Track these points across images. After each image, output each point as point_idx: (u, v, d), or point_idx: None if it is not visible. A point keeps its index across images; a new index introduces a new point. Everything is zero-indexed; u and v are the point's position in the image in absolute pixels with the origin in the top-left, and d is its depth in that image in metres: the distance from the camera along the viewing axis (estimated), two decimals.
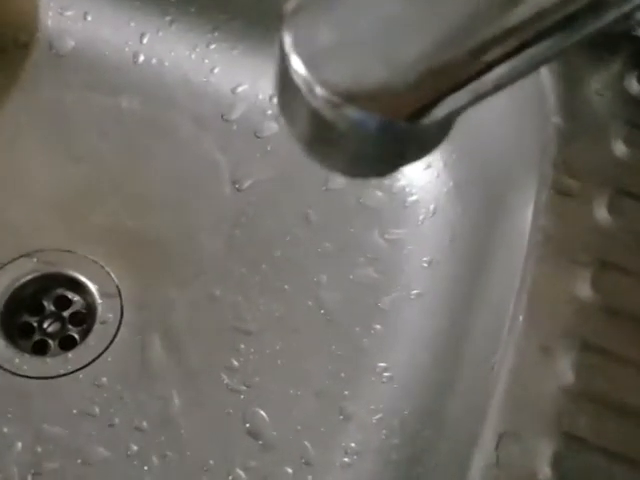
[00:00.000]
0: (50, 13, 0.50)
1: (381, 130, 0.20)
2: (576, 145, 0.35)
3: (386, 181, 0.46)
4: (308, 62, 0.20)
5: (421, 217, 0.45)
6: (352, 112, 0.20)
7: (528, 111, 0.38)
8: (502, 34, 0.20)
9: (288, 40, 0.20)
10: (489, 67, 0.20)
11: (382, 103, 0.20)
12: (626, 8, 0.21)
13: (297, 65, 0.20)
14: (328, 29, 0.20)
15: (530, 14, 0.20)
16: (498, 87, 0.21)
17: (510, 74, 0.21)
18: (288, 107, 0.21)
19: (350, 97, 0.20)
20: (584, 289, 0.32)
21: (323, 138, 0.21)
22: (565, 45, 0.21)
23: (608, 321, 0.31)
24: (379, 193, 0.46)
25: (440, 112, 0.20)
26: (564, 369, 0.30)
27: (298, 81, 0.20)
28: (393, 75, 0.20)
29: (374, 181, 0.47)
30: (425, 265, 0.44)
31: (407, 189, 0.46)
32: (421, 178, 0.46)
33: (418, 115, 0.20)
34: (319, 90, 0.20)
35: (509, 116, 0.40)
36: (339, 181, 0.47)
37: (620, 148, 0.35)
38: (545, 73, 0.37)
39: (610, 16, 0.21)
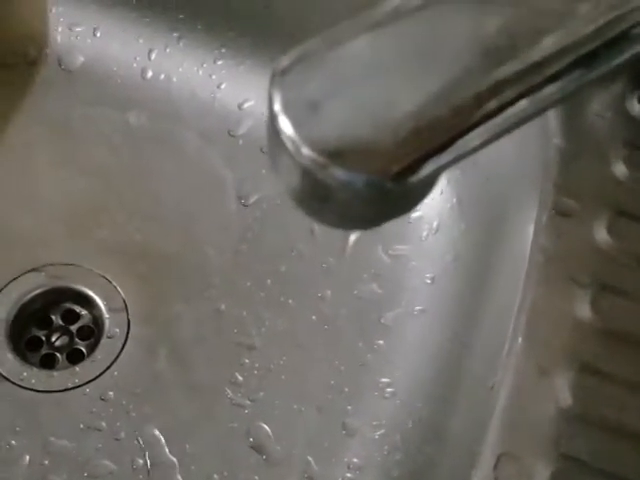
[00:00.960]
0: (60, 29, 0.50)
1: (368, 189, 0.21)
2: (577, 166, 0.36)
3: None
4: (296, 122, 0.21)
5: (425, 233, 0.46)
6: (339, 172, 0.21)
7: (530, 131, 0.39)
8: (486, 92, 0.21)
9: (277, 100, 0.21)
10: (476, 124, 0.21)
11: (369, 163, 0.21)
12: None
13: (285, 125, 0.21)
14: (316, 88, 0.21)
15: (516, 70, 0.21)
16: (487, 142, 0.21)
17: (495, 130, 0.21)
18: (278, 162, 0.22)
19: (337, 157, 0.20)
20: (583, 310, 0.32)
21: (312, 195, 0.22)
22: (550, 101, 0.21)
23: (607, 343, 0.31)
24: None
25: (427, 170, 0.21)
26: (562, 390, 0.30)
27: (286, 141, 0.21)
28: (380, 135, 0.20)
29: None
30: (428, 281, 0.44)
31: None
32: None
33: (405, 174, 0.21)
34: (306, 150, 0.21)
35: (511, 136, 0.40)
36: None
37: (620, 169, 0.35)
38: None
39: (596, 71, 0.21)
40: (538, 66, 0.21)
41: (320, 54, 0.21)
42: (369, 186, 0.21)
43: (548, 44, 0.21)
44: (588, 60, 0.21)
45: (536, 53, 0.21)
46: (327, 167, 0.21)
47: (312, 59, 0.21)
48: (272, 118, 0.21)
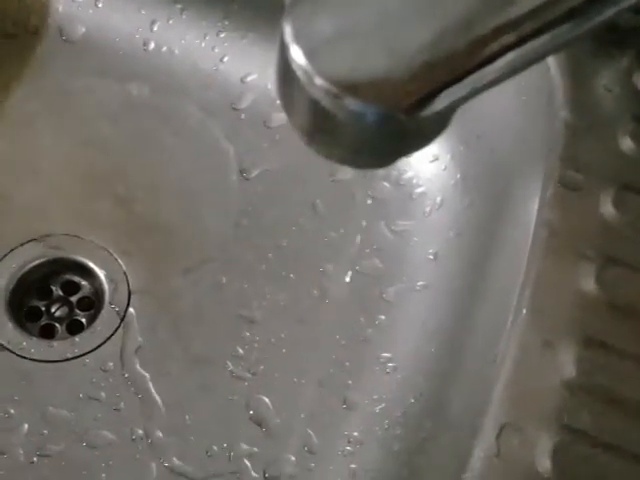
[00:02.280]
0: None
1: (380, 121, 0.20)
2: (583, 140, 0.35)
3: (393, 172, 0.47)
4: (308, 52, 0.20)
5: (428, 209, 0.45)
6: (351, 103, 0.20)
7: (536, 105, 0.39)
8: (504, 26, 0.20)
9: (288, 30, 0.20)
10: (490, 59, 0.20)
11: (382, 94, 0.20)
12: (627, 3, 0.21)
13: (297, 55, 0.20)
14: (329, 20, 0.20)
15: (533, 6, 0.20)
16: (498, 79, 0.21)
17: (511, 66, 0.21)
18: (288, 97, 0.22)
19: (349, 88, 0.20)
20: (588, 284, 0.32)
21: (322, 128, 0.21)
22: (566, 39, 0.21)
23: (611, 316, 0.31)
24: (386, 184, 0.47)
25: (440, 104, 0.20)
26: (566, 363, 0.30)
27: (298, 71, 0.20)
28: (393, 66, 0.20)
29: (381, 172, 0.47)
30: (431, 257, 0.44)
31: (414, 181, 0.46)
32: (428, 170, 0.46)
33: (418, 107, 0.20)
34: (318, 80, 0.20)
35: (517, 110, 0.40)
36: (347, 172, 0.47)
37: (627, 144, 0.35)
38: (554, 68, 0.38)
39: (613, 10, 0.21)
40: (555, 2, 0.20)
41: None
42: (382, 118, 0.20)
43: None
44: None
45: None
46: (339, 98, 0.20)
47: None
48: (283, 49, 0.20)
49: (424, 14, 0.20)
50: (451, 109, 0.21)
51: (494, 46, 0.20)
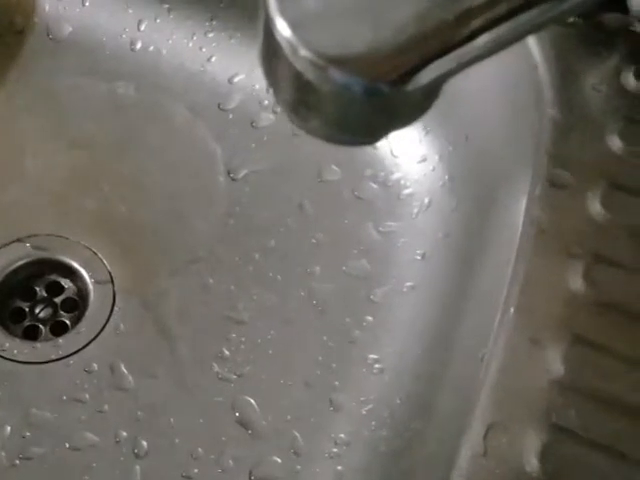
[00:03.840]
0: None
1: (365, 93, 0.20)
2: (571, 138, 0.35)
3: (381, 173, 0.46)
4: (293, 24, 0.20)
5: (415, 210, 0.45)
6: (336, 75, 0.20)
7: (524, 104, 0.38)
8: (489, 2, 0.20)
9: (273, 3, 0.20)
10: (475, 34, 0.20)
11: (367, 66, 0.20)
12: None
13: (282, 27, 0.20)
14: None
15: None
16: (484, 55, 0.21)
17: (496, 42, 0.20)
18: (273, 71, 0.21)
19: (335, 60, 0.20)
20: (576, 282, 0.32)
21: (307, 101, 0.21)
22: (550, 16, 0.21)
23: (599, 314, 0.31)
24: (374, 185, 0.46)
25: (425, 77, 0.20)
26: (554, 361, 0.30)
27: (282, 43, 0.20)
28: (379, 39, 0.20)
29: (369, 173, 0.47)
30: (418, 258, 0.44)
31: (402, 182, 0.46)
32: (416, 171, 0.46)
33: (403, 80, 0.20)
34: (303, 52, 0.20)
35: (505, 109, 0.40)
36: (334, 173, 0.47)
37: (615, 142, 0.35)
38: (542, 67, 0.37)
39: None
40: None
41: None
42: (366, 91, 0.20)
43: None
44: None
45: None
46: (324, 70, 0.20)
47: None
48: (268, 21, 0.20)
49: None
50: (436, 84, 0.21)
51: (479, 20, 0.20)
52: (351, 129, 0.22)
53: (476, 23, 0.20)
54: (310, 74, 0.20)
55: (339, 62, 0.20)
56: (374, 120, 0.22)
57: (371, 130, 0.22)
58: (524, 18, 0.20)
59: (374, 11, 0.20)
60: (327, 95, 0.20)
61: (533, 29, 0.21)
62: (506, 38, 0.20)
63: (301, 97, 0.21)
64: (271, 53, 0.21)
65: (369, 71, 0.20)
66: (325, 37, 0.20)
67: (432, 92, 0.21)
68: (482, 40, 0.20)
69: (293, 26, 0.20)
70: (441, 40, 0.20)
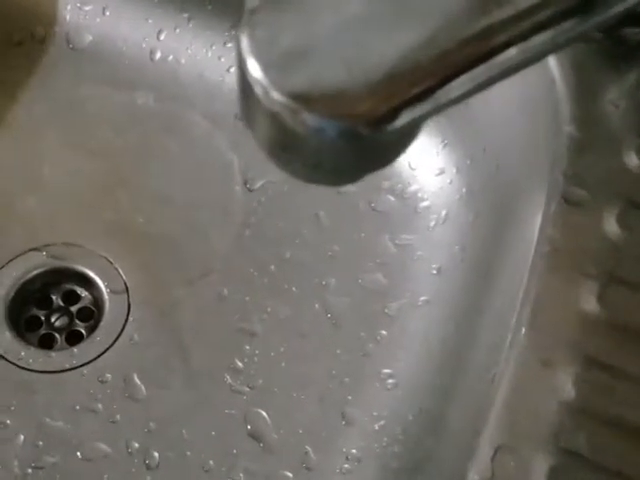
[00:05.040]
0: (69, 7, 0.50)
1: (340, 137, 0.20)
2: (588, 155, 0.35)
3: (399, 185, 0.46)
4: (265, 65, 0.19)
5: (432, 223, 0.45)
6: (310, 118, 0.19)
7: (542, 119, 0.38)
8: (467, 42, 0.20)
9: (245, 42, 0.20)
10: (453, 75, 0.20)
11: (340, 109, 0.19)
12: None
13: (253, 69, 0.19)
14: (287, 32, 0.20)
15: (496, 21, 0.20)
16: (463, 96, 0.20)
17: (475, 83, 0.20)
18: (248, 111, 0.21)
19: (308, 102, 0.19)
20: (590, 303, 0.31)
21: (283, 144, 0.21)
22: (534, 55, 0.20)
23: (612, 336, 0.30)
24: (391, 198, 0.46)
25: (402, 120, 0.20)
26: (565, 384, 0.29)
27: (255, 85, 0.20)
28: (353, 79, 0.19)
29: (386, 185, 0.46)
30: (434, 272, 0.43)
31: (419, 194, 0.46)
32: (434, 184, 0.45)
33: (379, 122, 0.20)
34: (276, 95, 0.19)
35: (523, 124, 0.40)
36: (351, 184, 0.46)
37: (632, 160, 0.34)
38: (560, 82, 0.37)
39: (583, 25, 0.20)
40: (523, 15, 0.20)
41: None
42: (342, 133, 0.19)
43: None
44: (576, 11, 0.20)
45: (521, 2, 0.20)
46: (298, 113, 0.19)
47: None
48: (240, 61, 0.20)
49: (385, 29, 0.20)
50: (414, 125, 0.20)
51: (457, 63, 0.20)
52: (328, 171, 0.22)
53: (454, 65, 0.19)
54: (283, 117, 0.19)
55: (311, 104, 0.19)
56: (352, 162, 0.21)
57: (350, 172, 0.22)
58: (504, 58, 0.20)
59: (348, 51, 0.20)
60: (302, 138, 0.20)
61: (516, 68, 0.20)
62: (487, 78, 0.20)
63: (276, 138, 0.21)
64: (245, 94, 0.20)
65: (342, 114, 0.19)
66: (298, 78, 0.19)
67: (412, 131, 0.21)
68: (460, 81, 0.20)
69: (265, 67, 0.19)
70: (419, 82, 0.20)
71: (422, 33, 0.20)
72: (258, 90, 0.20)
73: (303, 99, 0.19)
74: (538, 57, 0.20)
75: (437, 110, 0.20)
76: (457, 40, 0.19)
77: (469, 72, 0.19)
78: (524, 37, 0.20)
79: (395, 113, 0.19)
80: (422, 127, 0.21)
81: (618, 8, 0.20)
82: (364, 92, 0.19)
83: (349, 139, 0.20)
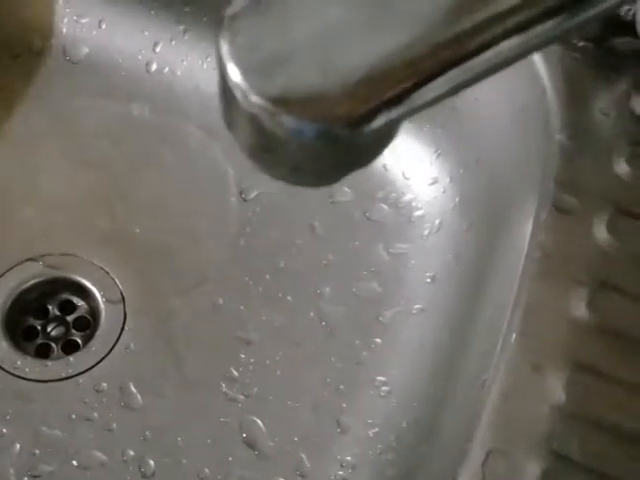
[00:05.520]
0: (65, 20, 0.50)
1: (318, 138, 0.20)
2: (579, 163, 0.35)
3: (392, 195, 0.46)
4: (244, 69, 0.20)
5: (426, 232, 0.45)
6: (289, 120, 0.20)
7: (533, 128, 0.38)
8: (442, 45, 0.20)
9: (224, 47, 0.20)
10: (429, 78, 0.20)
11: (319, 110, 0.20)
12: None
13: (233, 72, 0.20)
14: (266, 37, 0.20)
15: (475, 23, 0.20)
16: (438, 98, 0.20)
17: (450, 86, 0.20)
18: (228, 115, 0.21)
19: (286, 105, 0.20)
20: (580, 308, 0.32)
21: (262, 145, 0.21)
22: (509, 57, 0.21)
23: (602, 341, 0.31)
24: (385, 207, 0.46)
25: (378, 122, 0.20)
26: (556, 388, 0.30)
27: (234, 89, 0.20)
28: (330, 82, 0.20)
29: (380, 195, 0.47)
30: (428, 280, 0.44)
31: (413, 203, 0.46)
32: (427, 193, 0.46)
33: (356, 123, 0.20)
34: (254, 98, 0.20)
35: (514, 133, 0.40)
36: (345, 194, 0.47)
37: (622, 168, 0.35)
38: (551, 91, 0.37)
39: (561, 26, 0.20)
40: (497, 19, 0.20)
41: (272, 0, 0.21)
42: (319, 135, 0.20)
43: None
44: (554, 13, 0.20)
45: (495, 7, 0.20)
46: (276, 115, 0.20)
47: (263, 5, 0.21)
48: (221, 65, 0.20)
49: (362, 34, 0.20)
50: (391, 127, 0.21)
51: (432, 66, 0.20)
52: (309, 173, 0.22)
53: (432, 66, 0.20)
54: (262, 120, 0.20)
55: (289, 107, 0.20)
56: (331, 163, 0.22)
57: (329, 173, 0.22)
58: (480, 60, 0.20)
59: (325, 54, 0.20)
60: (281, 140, 0.20)
61: (497, 66, 0.21)
62: (462, 81, 0.20)
63: (256, 141, 0.21)
64: (226, 98, 0.21)
65: (319, 116, 0.20)
66: (276, 81, 0.20)
67: (390, 132, 0.21)
68: (436, 84, 0.20)
69: (244, 71, 0.20)
70: (394, 85, 0.20)
71: (398, 37, 0.20)
72: (238, 94, 0.20)
73: (281, 102, 0.20)
74: (511, 60, 0.21)
75: (413, 112, 0.20)
76: (432, 44, 0.20)
77: (444, 75, 0.20)
78: (496, 41, 0.20)
79: (372, 115, 0.20)
80: (399, 129, 0.21)
81: (595, 10, 0.20)
82: (341, 95, 0.20)
83: (327, 140, 0.20)
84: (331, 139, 0.20)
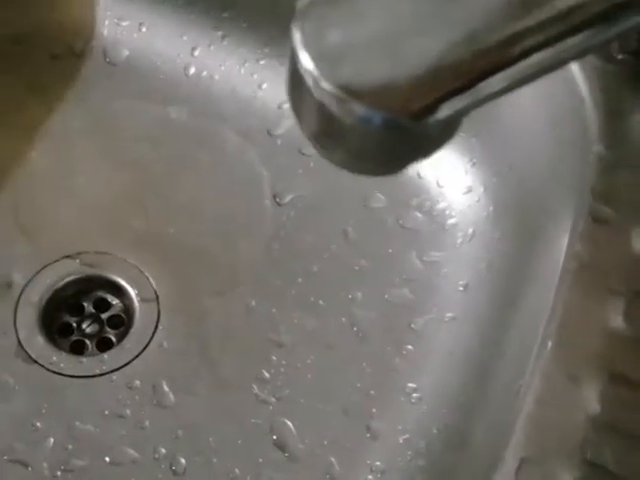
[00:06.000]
0: (106, 22, 0.51)
1: (385, 127, 0.21)
2: (616, 174, 0.35)
3: (427, 202, 0.47)
4: (316, 57, 0.21)
5: (459, 240, 0.45)
6: (357, 107, 0.21)
7: (570, 138, 0.38)
8: (509, 38, 0.21)
9: (297, 36, 0.21)
10: (496, 69, 0.21)
11: (387, 100, 0.21)
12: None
13: (305, 60, 0.21)
14: (337, 25, 0.21)
15: (539, 19, 0.21)
16: (503, 90, 0.21)
17: (516, 78, 0.21)
18: (297, 101, 0.22)
19: (355, 93, 0.20)
20: (616, 319, 0.32)
21: (329, 132, 0.22)
22: (573, 52, 0.21)
23: (638, 353, 0.31)
24: (419, 214, 0.47)
25: (445, 111, 0.21)
26: (590, 398, 0.30)
27: (305, 75, 0.21)
28: (399, 72, 0.20)
29: (415, 202, 0.47)
30: (461, 289, 0.44)
31: (447, 212, 0.46)
32: (461, 202, 0.46)
33: (423, 113, 0.21)
34: (325, 85, 0.21)
35: (550, 142, 0.40)
36: (379, 200, 0.47)
37: None
38: (589, 101, 0.37)
39: (619, 26, 0.21)
40: (561, 17, 0.21)
41: None
42: (386, 123, 0.21)
43: None
44: (612, 14, 0.20)
45: (560, 3, 0.21)
46: (345, 102, 0.21)
47: None
48: (293, 53, 0.21)
49: (432, 23, 0.21)
50: (457, 117, 0.21)
51: (499, 57, 0.21)
52: (372, 160, 0.23)
53: (495, 59, 0.20)
54: (331, 106, 0.21)
55: (359, 95, 0.20)
56: (395, 152, 0.22)
57: (392, 161, 0.23)
58: (544, 55, 0.21)
59: (395, 44, 0.21)
60: (348, 127, 0.21)
61: (559, 64, 0.21)
62: (526, 74, 0.21)
63: (323, 128, 0.22)
64: (295, 85, 0.21)
65: (388, 104, 0.20)
66: (347, 70, 0.21)
67: (453, 124, 0.22)
68: (502, 76, 0.21)
69: (316, 59, 0.21)
70: (460, 75, 0.21)
71: (464, 31, 0.21)
72: (309, 80, 0.21)
73: (351, 90, 0.20)
74: (571, 58, 0.21)
75: (476, 104, 0.21)
76: (496, 38, 0.21)
77: (507, 69, 0.20)
78: (558, 39, 0.21)
79: (436, 106, 0.21)
80: (461, 122, 0.22)
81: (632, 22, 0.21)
82: (408, 85, 0.21)
83: (392, 129, 0.21)
84: (396, 128, 0.21)
